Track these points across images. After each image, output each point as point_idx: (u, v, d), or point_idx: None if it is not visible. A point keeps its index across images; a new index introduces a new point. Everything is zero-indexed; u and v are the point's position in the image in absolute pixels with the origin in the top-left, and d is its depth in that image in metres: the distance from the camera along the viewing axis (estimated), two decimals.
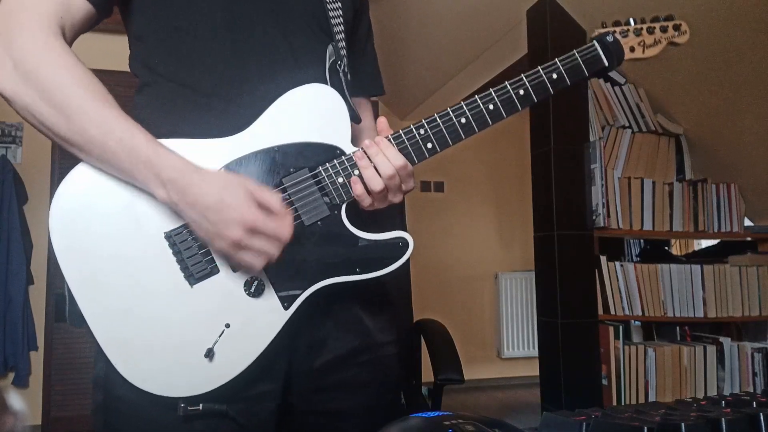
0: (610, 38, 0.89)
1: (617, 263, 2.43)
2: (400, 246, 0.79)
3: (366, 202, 0.79)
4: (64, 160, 3.61)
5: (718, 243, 2.84)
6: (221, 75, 0.81)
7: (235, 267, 0.75)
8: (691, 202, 2.57)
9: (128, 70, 0.87)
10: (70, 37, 0.77)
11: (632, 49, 0.91)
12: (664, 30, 0.92)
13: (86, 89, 0.71)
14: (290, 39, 0.84)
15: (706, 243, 3.03)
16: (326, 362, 0.84)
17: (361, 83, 1.00)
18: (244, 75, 0.81)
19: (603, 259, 2.42)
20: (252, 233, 0.69)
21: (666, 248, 2.96)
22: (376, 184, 0.77)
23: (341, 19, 0.90)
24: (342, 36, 0.90)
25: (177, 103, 0.81)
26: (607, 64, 0.89)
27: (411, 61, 3.88)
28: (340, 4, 0.90)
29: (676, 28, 0.93)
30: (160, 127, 0.77)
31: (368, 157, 0.78)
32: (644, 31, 0.91)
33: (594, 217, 2.44)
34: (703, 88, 2.49)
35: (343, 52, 0.90)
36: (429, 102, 4.24)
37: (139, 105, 0.84)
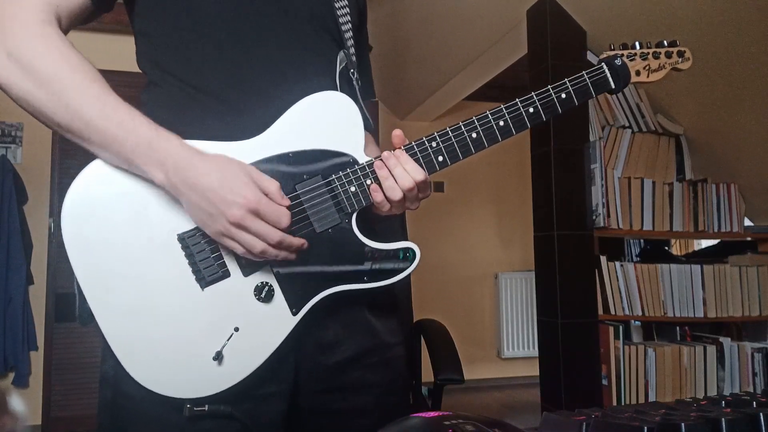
0: (618, 62, 0.91)
1: (617, 263, 2.43)
2: (407, 256, 0.80)
3: (385, 208, 0.80)
4: (64, 160, 3.61)
5: (718, 243, 2.84)
6: (231, 77, 0.81)
7: (242, 262, 0.75)
8: (691, 202, 2.57)
9: (129, 69, 0.86)
10: (66, 26, 0.77)
11: (638, 73, 0.93)
12: (668, 56, 0.94)
13: (84, 75, 0.71)
14: (302, 41, 0.84)
15: (706, 243, 3.03)
16: (336, 363, 0.84)
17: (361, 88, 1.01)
18: (254, 78, 0.81)
19: (603, 259, 2.42)
20: (253, 215, 0.70)
21: (666, 248, 2.96)
22: (396, 195, 0.78)
23: (350, 24, 0.90)
24: (351, 43, 0.90)
25: (184, 104, 0.81)
26: (613, 86, 0.91)
27: (411, 61, 3.88)
28: (348, 10, 0.90)
29: (680, 54, 0.95)
30: (167, 127, 0.78)
31: (388, 168, 0.78)
32: (650, 56, 0.93)
33: (594, 217, 2.44)
34: (703, 88, 2.49)
35: (354, 59, 0.90)
36: (429, 102, 4.24)
37: (145, 103, 0.84)
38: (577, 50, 2.56)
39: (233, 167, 0.71)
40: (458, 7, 3.02)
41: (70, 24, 0.78)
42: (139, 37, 0.86)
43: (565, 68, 2.51)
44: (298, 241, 0.74)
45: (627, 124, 2.59)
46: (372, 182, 0.79)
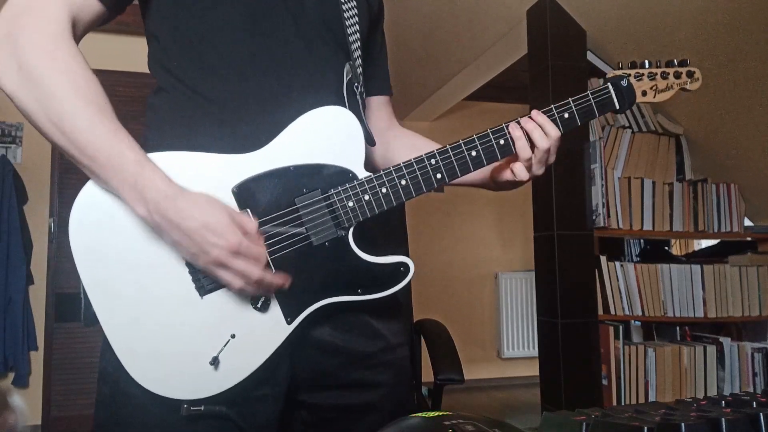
0: (624, 83, 0.90)
1: (617, 263, 2.44)
2: (401, 271, 0.82)
3: (525, 154, 0.85)
4: (64, 160, 3.61)
5: (718, 243, 2.84)
6: (238, 87, 0.81)
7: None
8: (691, 202, 2.57)
9: (130, 70, 0.86)
10: (80, 35, 0.77)
11: (644, 93, 0.92)
12: (677, 76, 0.93)
13: (84, 100, 0.71)
14: (311, 52, 0.84)
15: (706, 243, 3.03)
16: (337, 366, 0.85)
17: (375, 84, 1.03)
18: (261, 89, 0.81)
19: (603, 259, 2.42)
20: (235, 255, 0.71)
21: (666, 248, 2.96)
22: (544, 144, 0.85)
23: (358, 35, 0.90)
24: (358, 53, 0.90)
25: (191, 111, 0.81)
26: (618, 107, 0.90)
27: (411, 60, 3.88)
28: (357, 19, 0.90)
29: (690, 74, 0.94)
30: (172, 135, 0.78)
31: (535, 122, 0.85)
32: (658, 76, 0.92)
33: (594, 217, 2.44)
34: (703, 88, 2.48)
35: (360, 70, 0.90)
36: (429, 102, 4.24)
37: (153, 108, 0.84)
38: (577, 50, 2.56)
39: (215, 210, 0.72)
40: (458, 7, 3.02)
41: (85, 30, 0.78)
42: (151, 40, 0.86)
43: (565, 68, 2.51)
44: (278, 279, 0.75)
45: (627, 124, 2.59)
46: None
